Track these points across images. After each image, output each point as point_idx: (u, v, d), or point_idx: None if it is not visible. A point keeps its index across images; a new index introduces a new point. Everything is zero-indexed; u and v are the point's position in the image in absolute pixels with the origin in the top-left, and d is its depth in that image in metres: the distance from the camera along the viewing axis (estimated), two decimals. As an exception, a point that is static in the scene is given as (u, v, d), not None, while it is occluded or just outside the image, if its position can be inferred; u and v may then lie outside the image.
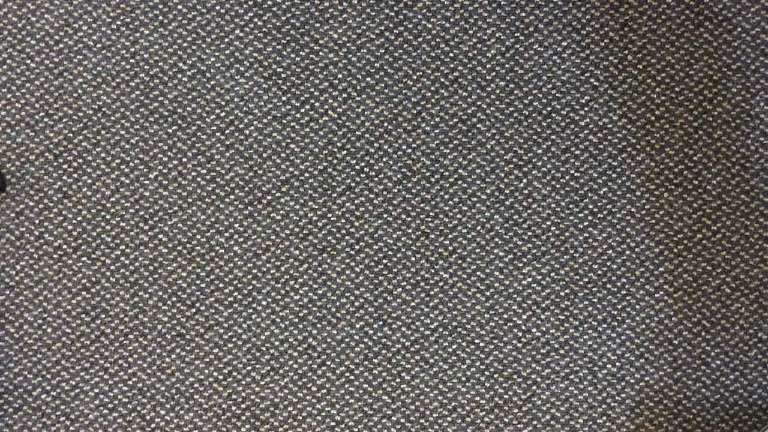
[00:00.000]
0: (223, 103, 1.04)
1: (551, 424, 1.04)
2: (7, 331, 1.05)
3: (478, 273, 1.04)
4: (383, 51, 1.04)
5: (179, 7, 1.05)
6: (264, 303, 1.04)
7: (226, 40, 1.05)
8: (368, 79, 1.04)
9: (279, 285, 1.04)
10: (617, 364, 1.04)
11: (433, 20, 1.04)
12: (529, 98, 1.04)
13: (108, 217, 1.04)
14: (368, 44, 1.04)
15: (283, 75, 1.04)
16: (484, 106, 1.04)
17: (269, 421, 1.05)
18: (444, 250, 1.04)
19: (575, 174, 1.04)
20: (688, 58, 1.03)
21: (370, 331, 1.04)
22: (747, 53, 1.03)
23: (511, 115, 1.04)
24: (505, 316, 1.04)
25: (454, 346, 1.04)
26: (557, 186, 1.04)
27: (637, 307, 1.03)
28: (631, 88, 1.03)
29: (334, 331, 1.04)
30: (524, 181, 1.04)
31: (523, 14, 1.04)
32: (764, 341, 1.03)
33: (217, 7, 1.05)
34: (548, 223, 1.04)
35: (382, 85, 1.04)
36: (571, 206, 1.04)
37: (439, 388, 1.04)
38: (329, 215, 1.04)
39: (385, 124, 1.05)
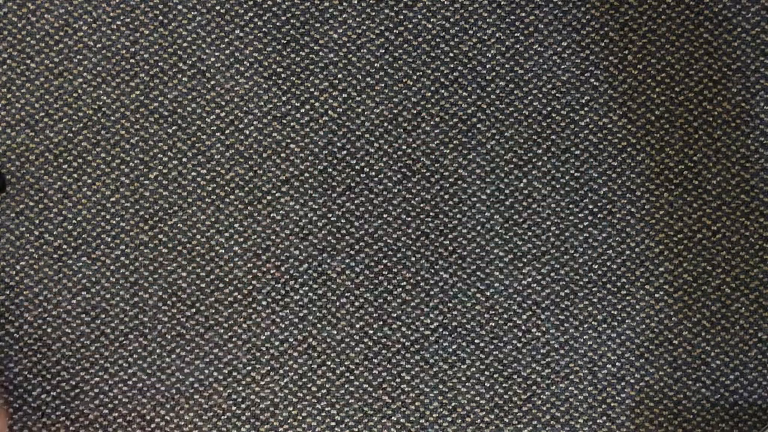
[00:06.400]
0: (223, 103, 1.04)
1: (551, 424, 1.04)
2: (7, 331, 1.05)
3: (478, 273, 1.04)
4: (383, 51, 1.04)
5: (179, 7, 1.05)
6: (264, 303, 1.04)
7: (226, 40, 1.05)
8: (368, 79, 1.04)
9: (279, 285, 1.04)
10: (617, 364, 1.04)
11: (433, 20, 1.04)
12: (529, 98, 1.04)
13: (108, 217, 1.04)
14: (368, 44, 1.04)
15: (283, 75, 1.04)
16: (484, 106, 1.04)
17: (269, 421, 1.05)
18: (444, 250, 1.04)
19: (575, 174, 1.04)
20: (688, 58, 1.03)
21: (370, 331, 1.04)
22: (747, 53, 1.03)
23: (511, 115, 1.04)
24: (505, 316, 1.04)
25: (454, 346, 1.04)
26: (557, 186, 1.04)
27: (637, 307, 1.03)
28: (631, 88, 1.03)
29: (334, 331, 1.04)
30: (524, 181, 1.04)
31: (523, 14, 1.04)
32: (764, 341, 1.03)
33: (217, 7, 1.05)
34: (548, 223, 1.04)
35: (382, 85, 1.04)
36: (571, 206, 1.04)
37: (439, 388, 1.04)
38: (329, 215, 1.05)
39: (385, 124, 1.05)
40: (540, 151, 1.04)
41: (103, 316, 1.04)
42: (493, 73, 1.04)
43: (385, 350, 1.05)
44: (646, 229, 1.04)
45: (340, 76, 1.04)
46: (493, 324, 1.04)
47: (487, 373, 1.04)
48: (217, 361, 1.04)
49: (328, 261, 1.04)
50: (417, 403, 1.04)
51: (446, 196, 1.05)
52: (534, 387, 1.04)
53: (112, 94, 1.05)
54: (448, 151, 1.04)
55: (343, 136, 1.05)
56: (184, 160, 1.04)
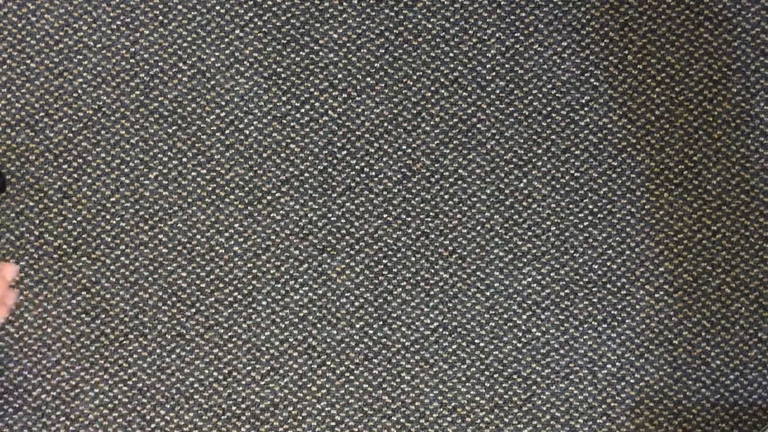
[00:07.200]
0: (223, 103, 1.04)
1: (551, 424, 1.04)
2: (7, 331, 1.05)
3: (478, 273, 1.04)
4: (383, 51, 1.04)
5: (179, 7, 1.05)
6: (264, 303, 1.04)
7: (226, 40, 1.05)
8: (368, 79, 1.04)
9: (279, 285, 1.04)
10: (617, 364, 1.04)
11: (433, 20, 1.04)
12: (529, 98, 1.04)
13: (108, 217, 1.05)
14: (368, 44, 1.04)
15: (283, 75, 1.04)
16: (484, 106, 1.04)
17: (269, 421, 1.05)
18: (444, 250, 1.04)
19: (575, 174, 1.04)
20: (688, 58, 1.03)
21: (370, 331, 1.04)
22: (747, 53, 1.03)
23: (511, 115, 1.04)
24: (505, 316, 1.04)
25: (454, 346, 1.04)
26: (557, 186, 1.04)
27: (637, 307, 1.03)
28: (631, 88, 1.04)
29: (334, 331, 1.04)
30: (524, 181, 1.04)
31: (523, 14, 1.04)
32: (764, 341, 1.03)
33: (217, 7, 1.05)
34: (548, 223, 1.04)
35: (382, 85, 1.04)
36: (571, 206, 1.04)
37: (439, 388, 1.04)
38: (329, 215, 1.05)
39: (385, 124, 1.05)
40: (540, 151, 1.04)
41: (103, 316, 1.04)
42: (493, 73, 1.04)
43: (385, 350, 1.05)
44: (646, 229, 1.04)
45: (340, 76, 1.04)
46: (493, 324, 1.04)
47: (487, 373, 1.04)
48: (217, 361, 1.04)
49: (328, 261, 1.05)
50: (417, 403, 1.05)
51: (446, 196, 1.05)
52: (534, 387, 1.04)
53: (112, 94, 1.05)
54: (448, 151, 1.04)
55: (343, 136, 1.05)
56: (184, 160, 1.04)
